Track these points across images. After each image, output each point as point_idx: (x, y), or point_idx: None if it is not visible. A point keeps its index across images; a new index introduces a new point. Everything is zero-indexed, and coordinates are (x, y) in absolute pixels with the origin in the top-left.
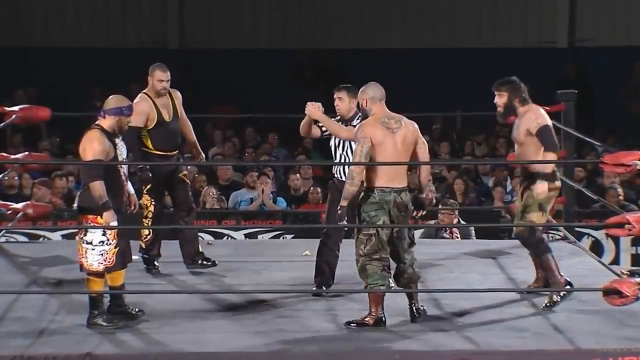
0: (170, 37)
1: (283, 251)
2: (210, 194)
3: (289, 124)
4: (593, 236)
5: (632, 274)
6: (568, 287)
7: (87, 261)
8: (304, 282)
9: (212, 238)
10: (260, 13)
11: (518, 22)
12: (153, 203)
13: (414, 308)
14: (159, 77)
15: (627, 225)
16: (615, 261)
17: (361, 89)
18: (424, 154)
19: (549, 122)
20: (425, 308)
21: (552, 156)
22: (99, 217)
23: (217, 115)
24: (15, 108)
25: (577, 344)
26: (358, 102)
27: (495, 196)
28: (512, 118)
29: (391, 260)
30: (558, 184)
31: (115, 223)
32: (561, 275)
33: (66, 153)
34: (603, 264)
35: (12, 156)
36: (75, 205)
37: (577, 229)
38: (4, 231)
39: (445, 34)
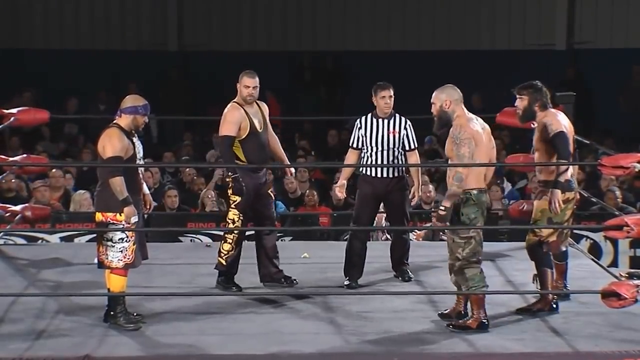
0: (170, 39)
1: (282, 253)
2: (209, 196)
3: (288, 125)
4: (591, 238)
5: (630, 276)
6: (554, 305)
7: (107, 258)
8: (303, 284)
9: (210, 240)
10: (259, 15)
11: (517, 25)
12: (241, 218)
13: None
14: (246, 83)
15: (625, 228)
16: (614, 263)
17: (439, 90)
18: (494, 155)
19: (566, 128)
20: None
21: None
22: (117, 214)
23: (216, 118)
24: (14, 110)
25: (576, 347)
26: None
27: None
28: (532, 123)
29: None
30: (572, 194)
31: (135, 218)
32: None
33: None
34: (601, 266)
35: (10, 159)
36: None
37: (575, 231)
38: (2, 234)
39: (445, 36)
